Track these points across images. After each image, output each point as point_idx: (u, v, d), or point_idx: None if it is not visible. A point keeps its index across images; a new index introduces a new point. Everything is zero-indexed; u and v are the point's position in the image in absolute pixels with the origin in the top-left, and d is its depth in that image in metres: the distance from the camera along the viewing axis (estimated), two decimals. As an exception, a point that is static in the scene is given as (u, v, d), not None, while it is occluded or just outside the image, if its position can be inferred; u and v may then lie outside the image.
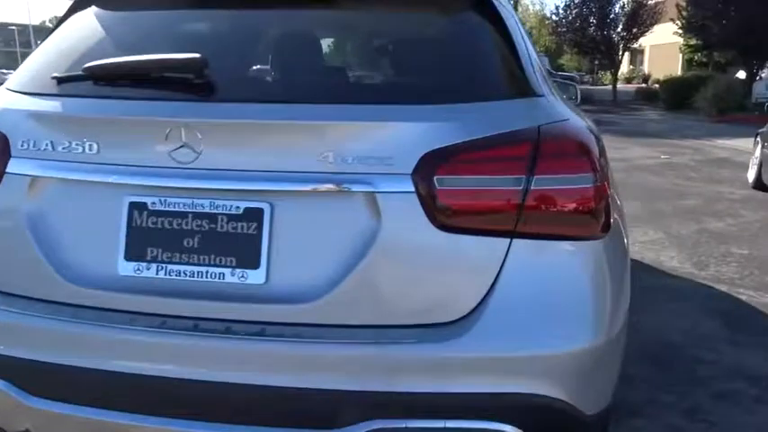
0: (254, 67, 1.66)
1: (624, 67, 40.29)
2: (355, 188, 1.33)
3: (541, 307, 1.36)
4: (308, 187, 1.35)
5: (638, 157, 10.72)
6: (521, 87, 1.53)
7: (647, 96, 27.17)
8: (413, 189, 1.32)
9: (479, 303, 1.34)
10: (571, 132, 1.46)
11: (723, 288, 4.00)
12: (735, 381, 2.79)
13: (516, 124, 1.39)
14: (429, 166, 1.32)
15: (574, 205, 1.38)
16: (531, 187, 1.34)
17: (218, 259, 1.38)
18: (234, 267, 1.37)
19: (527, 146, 1.36)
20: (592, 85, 37.69)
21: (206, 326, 1.37)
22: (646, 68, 38.50)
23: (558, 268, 1.39)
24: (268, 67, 1.72)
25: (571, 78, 30.19)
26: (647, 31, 27.37)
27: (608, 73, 31.26)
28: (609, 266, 1.48)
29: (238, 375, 1.35)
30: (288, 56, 1.68)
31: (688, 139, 13.51)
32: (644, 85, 32.63)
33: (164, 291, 1.39)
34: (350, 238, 1.34)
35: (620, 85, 30.69)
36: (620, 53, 28.95)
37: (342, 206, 1.35)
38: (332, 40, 1.83)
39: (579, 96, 3.95)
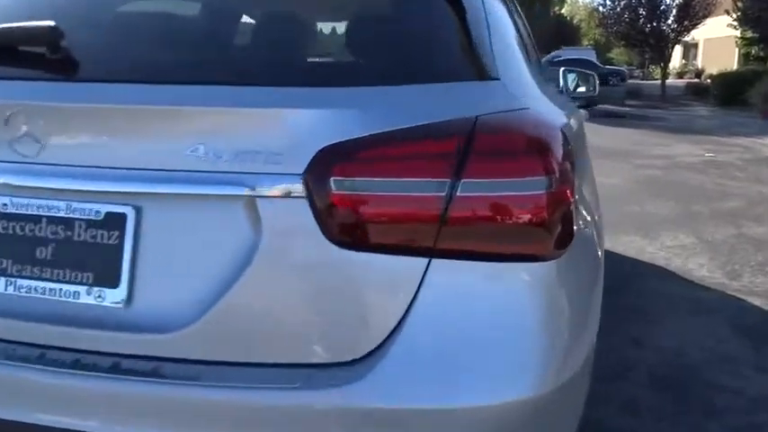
0: (115, 41, 1.38)
1: (676, 62, 38.97)
2: (231, 191, 1.06)
3: (467, 346, 1.07)
4: (176, 189, 1.08)
5: (681, 154, 10.16)
6: (467, 68, 1.24)
7: (698, 91, 26.10)
8: (304, 193, 1.04)
9: (385, 340, 1.06)
10: (519, 125, 1.15)
11: (756, 302, 3.61)
12: (756, 414, 2.43)
13: (447, 113, 1.09)
14: (326, 165, 1.05)
15: (517, 217, 1.08)
16: (457, 193, 1.05)
17: (73, 274, 1.12)
18: (90, 285, 1.11)
19: (455, 141, 1.07)
20: (642, 79, 36.51)
21: (53, 356, 1.12)
22: (699, 63, 37.11)
23: (491, 297, 1.09)
24: (132, 40, 1.44)
25: (618, 72, 29.44)
26: (699, 23, 26.23)
27: (658, 67, 30.14)
28: (566, 292, 1.18)
29: (84, 424, 1.09)
30: (156, 27, 1.40)
31: (737, 137, 12.80)
32: (696, 80, 31.44)
33: (10, 311, 1.15)
34: (225, 254, 1.08)
35: (670, 80, 29.60)
36: (671, 47, 27.87)
37: (217, 213, 1.08)
38: (213, 6, 1.54)
39: (597, 87, 3.64)
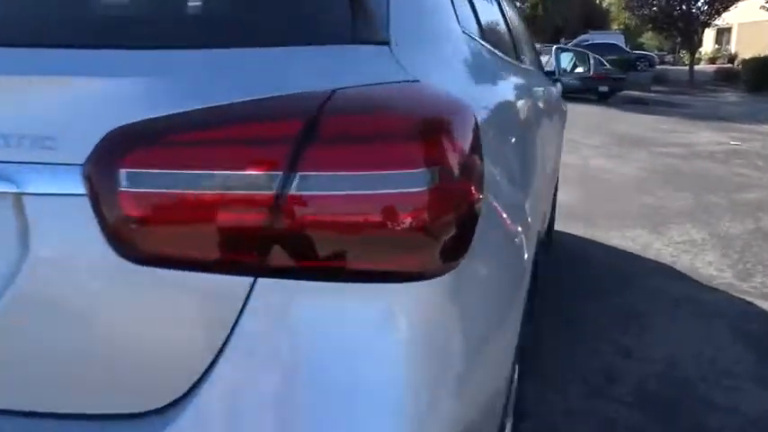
0: None
1: (709, 47, 37.86)
2: None
3: (303, 397, 0.82)
4: None
5: (703, 142, 9.72)
6: (337, 27, 0.95)
7: (728, 77, 25.27)
8: (85, 191, 0.79)
9: (194, 385, 0.82)
10: (389, 101, 0.87)
11: (765, 306, 3.29)
12: (751, 437, 2.16)
13: (295, 86, 0.83)
14: (115, 154, 0.79)
15: (378, 222, 0.81)
16: (291, 191, 0.79)
17: None
18: None
19: (296, 122, 0.81)
20: (673, 64, 35.58)
21: None
22: (733, 48, 35.98)
23: (343, 331, 0.83)
24: None
25: (646, 58, 28.60)
26: (730, 6, 25.32)
27: (688, 52, 29.26)
28: (459, 320, 0.92)
29: None
30: None
31: (765, 124, 12.27)
32: (728, 65, 30.48)
33: None
34: None
35: (701, 66, 28.72)
36: (701, 31, 26.98)
37: None
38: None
39: (592, 68, 3.37)
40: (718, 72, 26.99)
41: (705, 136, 10.48)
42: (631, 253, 4.12)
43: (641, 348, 2.74)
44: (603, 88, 17.73)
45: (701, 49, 33.49)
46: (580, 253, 4.09)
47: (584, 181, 6.40)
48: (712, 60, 35.59)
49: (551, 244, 4.02)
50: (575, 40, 29.12)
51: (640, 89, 20.71)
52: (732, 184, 6.52)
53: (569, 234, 4.46)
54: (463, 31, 1.35)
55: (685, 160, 7.95)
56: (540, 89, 2.47)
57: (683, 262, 3.97)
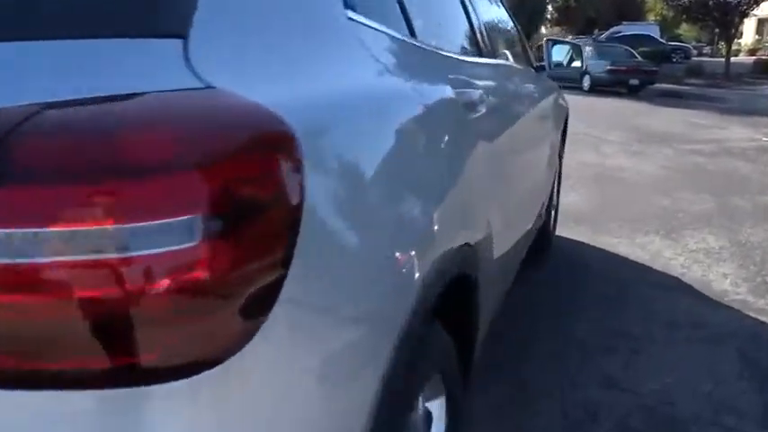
0: None
1: (749, 38, 36.66)
2: None
3: None
4: None
5: (733, 138, 9.21)
6: (116, 14, 0.70)
7: (766, 69, 24.32)
8: None
9: None
10: (133, 118, 0.60)
11: (781, 327, 2.93)
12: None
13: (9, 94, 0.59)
14: None
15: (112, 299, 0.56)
16: None
17: None
18: None
19: None
20: (711, 56, 34.46)
21: None
22: (773, 39, 34.79)
23: None
24: None
25: (682, 49, 27.77)
26: (771, -6, 24.33)
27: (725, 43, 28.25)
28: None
29: None
30: None
31: (804, 119, 11.65)
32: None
33: None
34: None
35: (740, 57, 27.72)
36: (738, 21, 25.97)
37: None
38: None
39: (584, 62, 3.06)
40: (757, 64, 25.97)
41: (737, 132, 9.95)
42: (637, 262, 3.77)
43: (629, 379, 2.42)
44: (634, 81, 17.16)
45: (740, 41, 32.38)
46: (579, 262, 3.76)
47: (598, 181, 6.03)
48: (752, 52, 34.38)
49: (546, 251, 3.70)
50: (607, 32, 28.38)
51: (674, 82, 20.04)
52: (760, 185, 6.08)
53: (571, 240, 4.13)
54: (350, 18, 1.07)
55: (712, 158, 7.49)
56: (512, 86, 2.17)
57: (693, 274, 3.60)
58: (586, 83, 17.63)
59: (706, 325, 2.93)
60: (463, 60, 1.54)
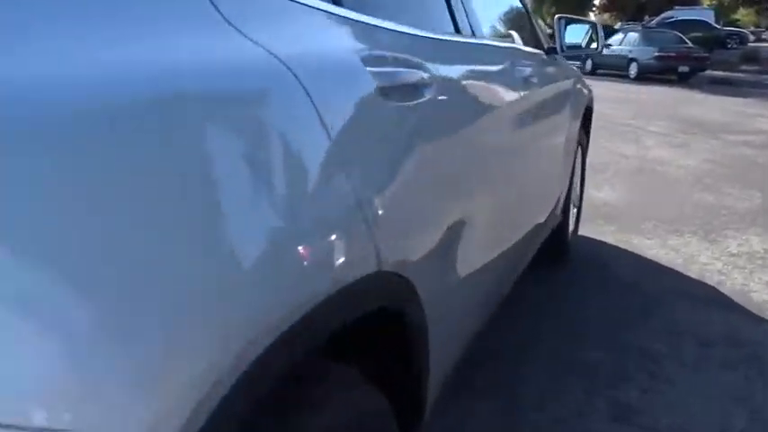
0: None
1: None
2: None
3: None
4: None
5: (789, 129, 8.60)
6: None
7: (830, 55, 23.03)
8: None
9: None
10: None
11: (830, 349, 2.53)
12: None
13: None
14: None
15: None
16: None
17: None
18: None
19: None
20: (769, 42, 32.86)
21: None
22: (838, 23, 32.99)
23: None
24: None
25: (738, 35, 26.61)
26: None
27: (786, 28, 26.86)
28: None
29: None
30: None
31: None
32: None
33: None
34: None
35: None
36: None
37: None
38: None
39: (601, 44, 2.74)
40: (819, 50, 24.63)
41: (793, 122, 9.31)
42: (668, 267, 3.39)
43: (642, 410, 2.07)
44: (684, 68, 16.39)
45: (801, 25, 30.70)
46: (600, 267, 3.39)
47: (636, 175, 5.61)
48: (818, 37, 32.64)
49: (564, 255, 3.35)
50: (658, 18, 27.31)
51: (727, 68, 19.08)
52: (815, 179, 5.56)
53: (597, 241, 3.76)
54: None
55: (763, 150, 6.95)
56: (501, 69, 1.84)
57: (734, 282, 3.21)
58: (633, 70, 16.94)
59: (740, 345, 2.55)
60: (411, 35, 1.24)
